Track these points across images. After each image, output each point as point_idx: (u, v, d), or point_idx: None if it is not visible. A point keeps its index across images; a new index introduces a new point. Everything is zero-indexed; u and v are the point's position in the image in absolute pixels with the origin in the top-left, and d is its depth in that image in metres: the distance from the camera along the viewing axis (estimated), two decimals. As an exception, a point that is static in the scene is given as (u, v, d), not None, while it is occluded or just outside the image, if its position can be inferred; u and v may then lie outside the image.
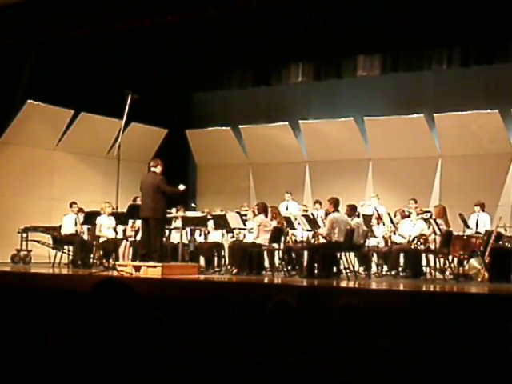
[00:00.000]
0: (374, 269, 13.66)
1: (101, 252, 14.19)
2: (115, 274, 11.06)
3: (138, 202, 14.74)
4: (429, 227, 12.46)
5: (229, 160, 18.43)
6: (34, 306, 7.83)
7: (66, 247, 14.25)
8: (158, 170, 11.78)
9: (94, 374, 3.10)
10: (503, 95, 15.30)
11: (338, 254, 12.20)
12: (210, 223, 14.01)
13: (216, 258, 14.34)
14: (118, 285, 3.37)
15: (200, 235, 14.71)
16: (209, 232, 14.48)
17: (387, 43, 14.79)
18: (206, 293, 9.25)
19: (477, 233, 13.12)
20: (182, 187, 11.93)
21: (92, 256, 14.34)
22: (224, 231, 14.04)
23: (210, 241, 14.38)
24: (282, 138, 17.53)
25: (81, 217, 14.31)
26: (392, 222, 13.46)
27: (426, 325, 4.33)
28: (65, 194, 15.82)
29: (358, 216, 12.75)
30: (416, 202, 13.90)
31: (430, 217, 12.55)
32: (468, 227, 13.08)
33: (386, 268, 13.55)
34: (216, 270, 13.87)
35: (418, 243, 12.58)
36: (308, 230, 13.26)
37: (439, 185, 15.99)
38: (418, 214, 13.24)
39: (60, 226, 14.36)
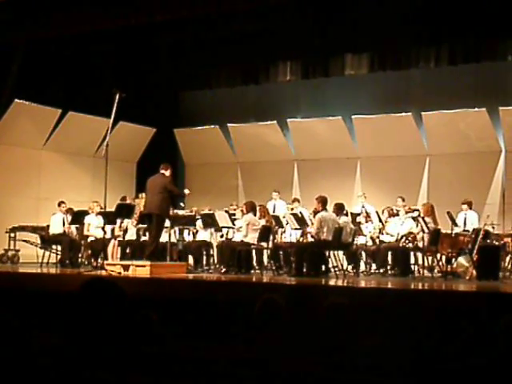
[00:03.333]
0: (362, 267, 13.68)
1: (89, 251, 14.16)
2: (104, 273, 11.04)
3: (127, 201, 14.77)
4: (417, 225, 12.50)
5: (217, 159, 18.42)
6: (21, 305, 7.81)
7: (54, 247, 14.21)
8: (168, 173, 12.11)
9: (82, 373, 3.10)
10: (491, 93, 15.36)
11: (327, 253, 12.21)
12: (199, 222, 13.99)
13: (205, 257, 14.33)
14: (106, 284, 3.36)
15: (188, 234, 14.69)
16: (197, 231, 14.46)
17: (375, 42, 14.81)
18: (194, 292, 9.27)
19: (465, 231, 13.17)
20: (186, 191, 12.89)
21: (80, 255, 14.30)
22: (212, 230, 14.03)
23: (199, 240, 14.37)
24: (270, 136, 17.53)
25: (69, 216, 14.27)
26: (380, 220, 13.49)
27: (414, 322, 4.35)
28: (52, 194, 15.76)
29: (346, 214, 12.78)
30: (403, 200, 13.92)
31: (418, 215, 12.58)
32: (456, 225, 13.11)
33: (374, 266, 13.57)
34: (205, 268, 13.86)
35: (407, 241, 12.62)
36: (296, 229, 13.28)
37: (427, 183, 16.02)
38: (406, 213, 13.27)
39: (48, 226, 14.32)
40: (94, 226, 14.01)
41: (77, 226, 14.36)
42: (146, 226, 13.10)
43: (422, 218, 12.16)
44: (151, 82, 17.31)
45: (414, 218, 12.75)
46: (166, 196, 11.92)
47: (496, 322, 4.04)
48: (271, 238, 12.99)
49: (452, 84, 15.83)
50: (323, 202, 12.24)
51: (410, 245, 12.53)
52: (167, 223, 13.38)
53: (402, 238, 12.74)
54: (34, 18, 13.07)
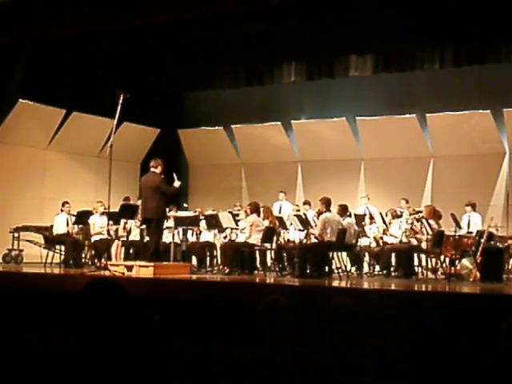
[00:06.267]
0: (365, 268, 13.69)
1: (93, 252, 14.17)
2: (107, 273, 11.04)
3: (130, 201, 14.77)
4: (421, 228, 12.48)
5: (221, 160, 18.43)
6: (25, 305, 7.81)
7: (57, 247, 14.22)
8: (158, 170, 11.75)
9: (85, 374, 3.10)
10: (495, 95, 15.35)
11: (330, 254, 12.21)
12: (202, 223, 14.00)
13: (208, 258, 14.34)
14: (110, 284, 3.36)
15: (192, 235, 14.70)
16: (201, 232, 14.47)
17: (379, 43, 14.79)
18: (198, 293, 9.26)
19: (468, 233, 13.15)
20: (177, 184, 11.93)
21: (84, 256, 14.32)
22: (216, 231, 14.03)
23: (202, 240, 14.38)
24: (274, 137, 17.54)
25: (72, 216, 14.28)
26: (384, 221, 13.48)
27: (417, 324, 4.34)
28: (56, 194, 15.79)
29: (350, 216, 12.77)
30: (407, 202, 13.93)
31: (422, 217, 12.57)
32: (460, 227, 13.10)
33: (377, 268, 13.57)
34: (208, 269, 13.87)
35: (410, 236, 12.61)
36: (300, 230, 13.27)
37: (431, 185, 16.01)
38: (410, 214, 13.25)
39: (52, 226, 14.33)
40: (98, 227, 14.02)
41: (80, 226, 14.38)
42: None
43: (426, 220, 12.16)
44: (155, 82, 17.31)
45: (418, 220, 12.71)
46: (161, 197, 11.60)
47: (500, 324, 4.03)
48: (275, 239, 12.99)
49: (456, 86, 15.83)
50: (327, 203, 12.24)
51: (415, 241, 12.50)
52: (171, 224, 13.39)
53: (405, 231, 12.75)
54: (39, 19, 13.06)
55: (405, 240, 12.84)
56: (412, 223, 12.62)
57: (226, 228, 13.68)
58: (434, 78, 16.09)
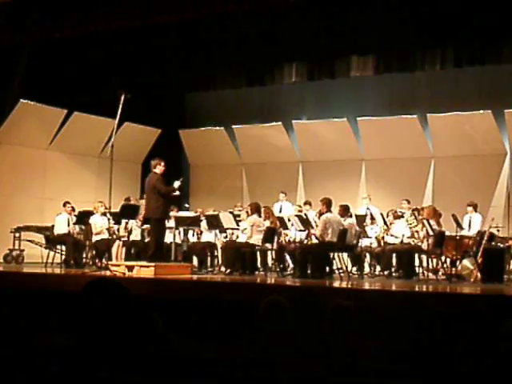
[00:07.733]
0: (366, 269, 13.68)
1: (93, 252, 14.17)
2: (108, 273, 11.04)
3: (131, 202, 14.79)
4: (420, 226, 12.47)
5: (222, 160, 18.42)
6: (26, 305, 7.82)
7: (58, 247, 14.22)
8: (158, 170, 11.68)
9: (86, 374, 3.10)
10: (496, 96, 15.34)
11: (331, 255, 12.21)
12: (203, 223, 13.99)
13: (209, 258, 14.34)
14: (110, 284, 3.35)
15: (193, 235, 14.70)
16: (202, 232, 14.46)
17: (381, 44, 14.79)
18: (198, 293, 9.27)
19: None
20: (177, 184, 11.79)
21: (85, 256, 14.32)
22: (217, 231, 14.03)
23: (203, 241, 14.37)
24: (275, 138, 17.53)
25: (73, 216, 14.28)
26: (385, 222, 13.47)
27: (418, 325, 4.34)
28: (57, 194, 15.79)
29: (351, 216, 12.77)
30: (409, 203, 13.92)
31: (423, 218, 12.55)
32: (461, 228, 13.09)
33: (378, 268, 13.57)
34: (209, 270, 13.87)
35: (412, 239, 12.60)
36: (301, 230, 13.27)
37: (432, 185, 16.00)
38: (411, 214, 13.22)
39: (53, 226, 14.33)
40: (98, 227, 14.02)
41: (81, 226, 14.38)
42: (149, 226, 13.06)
43: (427, 221, 12.15)
44: (157, 82, 17.31)
45: (420, 221, 12.68)
46: (158, 197, 11.51)
47: (500, 325, 4.03)
48: (276, 239, 12.99)
49: (457, 86, 15.82)
50: (328, 203, 12.24)
51: (416, 242, 12.50)
52: (172, 224, 13.38)
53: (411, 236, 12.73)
54: (40, 19, 13.07)
55: (406, 241, 12.84)
56: (416, 226, 12.59)
57: (227, 228, 13.67)
58: (435, 78, 16.08)
